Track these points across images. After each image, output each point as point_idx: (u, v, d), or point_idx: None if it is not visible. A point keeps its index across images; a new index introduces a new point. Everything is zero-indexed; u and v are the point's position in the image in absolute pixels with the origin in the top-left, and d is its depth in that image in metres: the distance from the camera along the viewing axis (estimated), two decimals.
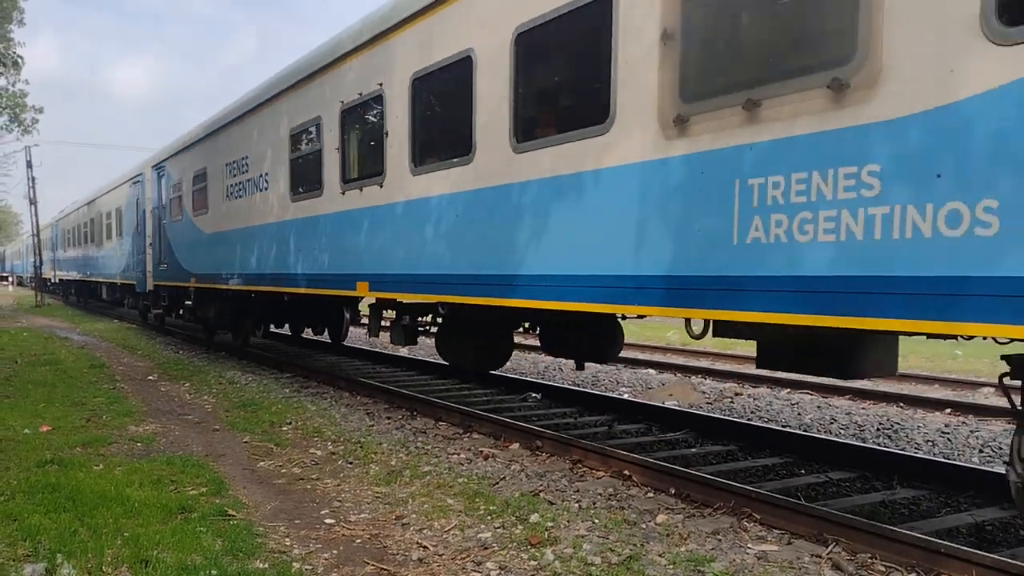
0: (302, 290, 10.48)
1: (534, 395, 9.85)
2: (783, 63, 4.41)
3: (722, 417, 8.22)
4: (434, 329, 9.87)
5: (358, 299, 10.97)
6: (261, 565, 4.19)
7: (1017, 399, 4.33)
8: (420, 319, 9.40)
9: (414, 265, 7.87)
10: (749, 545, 4.56)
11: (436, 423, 8.30)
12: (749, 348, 15.35)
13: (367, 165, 8.99)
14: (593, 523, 4.92)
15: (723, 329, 5.29)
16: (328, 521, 5.04)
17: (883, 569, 4.19)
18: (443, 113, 7.85)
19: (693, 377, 12.15)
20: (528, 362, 13.54)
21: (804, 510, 4.84)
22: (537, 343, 9.73)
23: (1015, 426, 4.36)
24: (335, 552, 4.49)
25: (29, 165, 36.41)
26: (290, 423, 8.15)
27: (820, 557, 4.36)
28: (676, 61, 5.00)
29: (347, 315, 15.05)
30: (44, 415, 8.25)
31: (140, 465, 6.23)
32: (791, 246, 4.30)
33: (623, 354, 14.50)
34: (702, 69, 4.90)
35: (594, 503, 5.37)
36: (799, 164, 4.26)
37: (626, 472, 6.04)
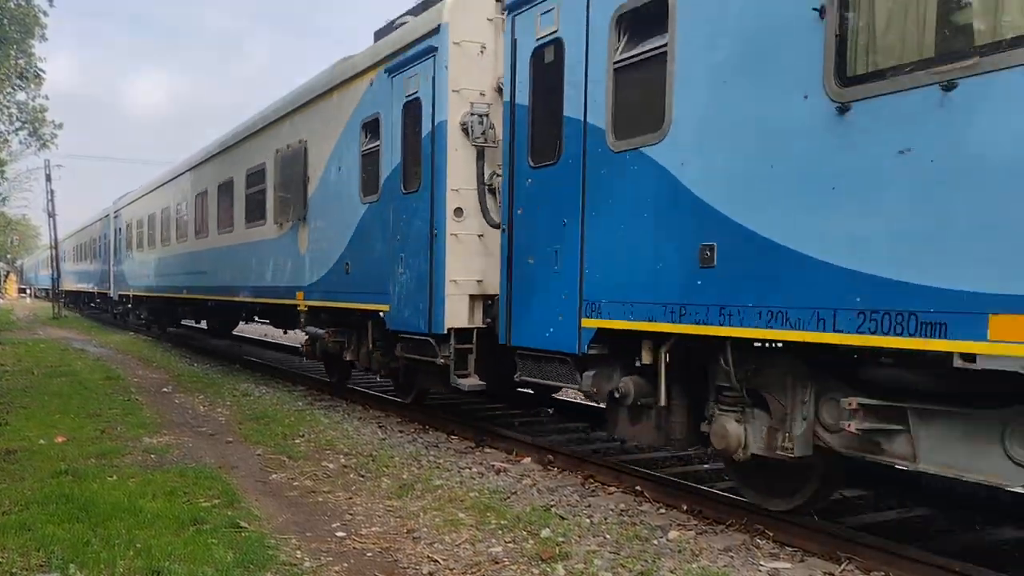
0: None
1: (547, 410, 9.83)
2: None
3: None
4: None
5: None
6: None
7: None
8: None
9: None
10: (762, 562, 4.53)
11: (448, 437, 8.30)
12: None
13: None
14: (605, 538, 4.90)
15: None
16: (340, 534, 5.05)
17: None
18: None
19: None
20: None
21: (817, 528, 4.81)
22: None
23: None
24: (346, 565, 4.49)
25: (48, 179, 37.03)
26: (303, 435, 8.18)
27: (833, 575, 4.34)
28: None
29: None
30: (59, 426, 8.31)
31: (153, 476, 6.26)
32: None
33: None
34: None
35: (606, 518, 5.35)
36: None
37: (638, 488, 6.02)
